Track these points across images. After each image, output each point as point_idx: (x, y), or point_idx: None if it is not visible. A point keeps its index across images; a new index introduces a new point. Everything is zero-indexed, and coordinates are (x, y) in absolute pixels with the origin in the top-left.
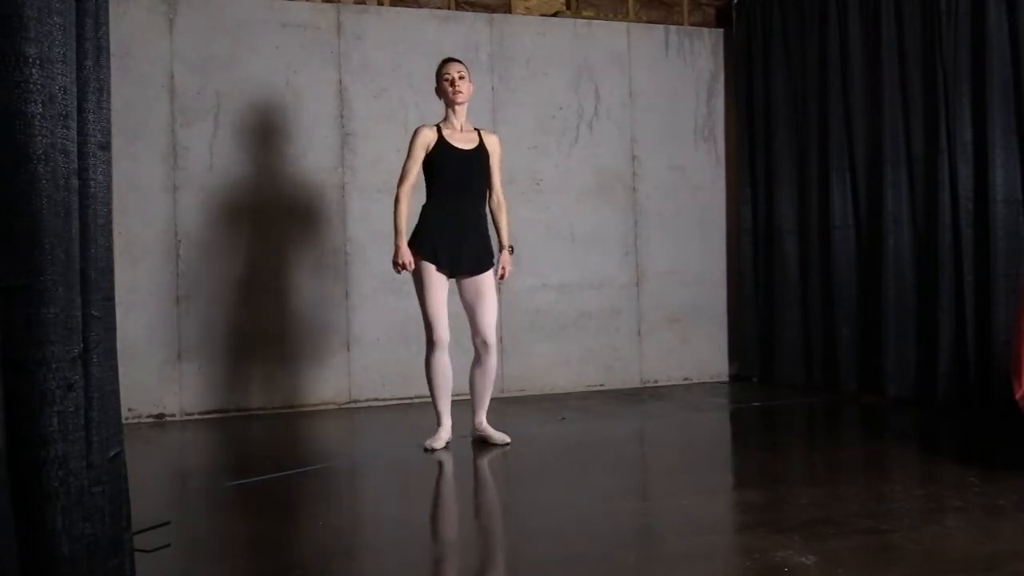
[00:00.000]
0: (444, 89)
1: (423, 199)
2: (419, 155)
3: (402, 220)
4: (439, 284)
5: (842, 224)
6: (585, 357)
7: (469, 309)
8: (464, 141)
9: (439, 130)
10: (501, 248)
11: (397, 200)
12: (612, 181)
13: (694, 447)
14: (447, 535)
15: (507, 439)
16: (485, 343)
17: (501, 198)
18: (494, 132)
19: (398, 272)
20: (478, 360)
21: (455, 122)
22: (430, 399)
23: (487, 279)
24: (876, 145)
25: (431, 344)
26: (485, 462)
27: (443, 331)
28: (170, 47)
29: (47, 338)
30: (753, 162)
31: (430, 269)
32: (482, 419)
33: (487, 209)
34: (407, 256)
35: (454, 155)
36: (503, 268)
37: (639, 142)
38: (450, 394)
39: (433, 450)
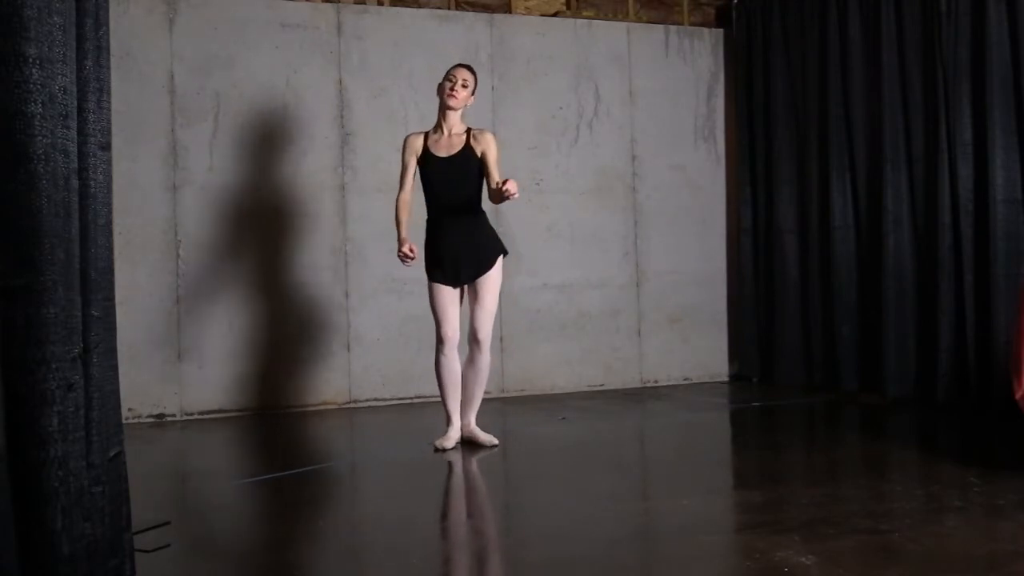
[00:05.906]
0: (443, 87)
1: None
2: (409, 162)
3: (400, 222)
4: (447, 289)
5: (842, 224)
6: (585, 357)
7: (469, 307)
8: (448, 148)
9: (426, 138)
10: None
11: (395, 208)
12: (612, 181)
13: (694, 447)
14: (447, 535)
15: (495, 441)
16: (476, 339)
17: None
18: (488, 130)
19: (406, 263)
20: (470, 358)
21: (444, 126)
22: (439, 399)
23: (488, 281)
24: (876, 145)
25: (439, 342)
26: (485, 462)
27: (449, 329)
28: (170, 47)
29: (47, 338)
30: (753, 162)
31: (437, 282)
32: (471, 420)
33: (482, 208)
34: (406, 245)
35: (436, 164)
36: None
37: (639, 142)
38: (459, 394)
39: (444, 450)
